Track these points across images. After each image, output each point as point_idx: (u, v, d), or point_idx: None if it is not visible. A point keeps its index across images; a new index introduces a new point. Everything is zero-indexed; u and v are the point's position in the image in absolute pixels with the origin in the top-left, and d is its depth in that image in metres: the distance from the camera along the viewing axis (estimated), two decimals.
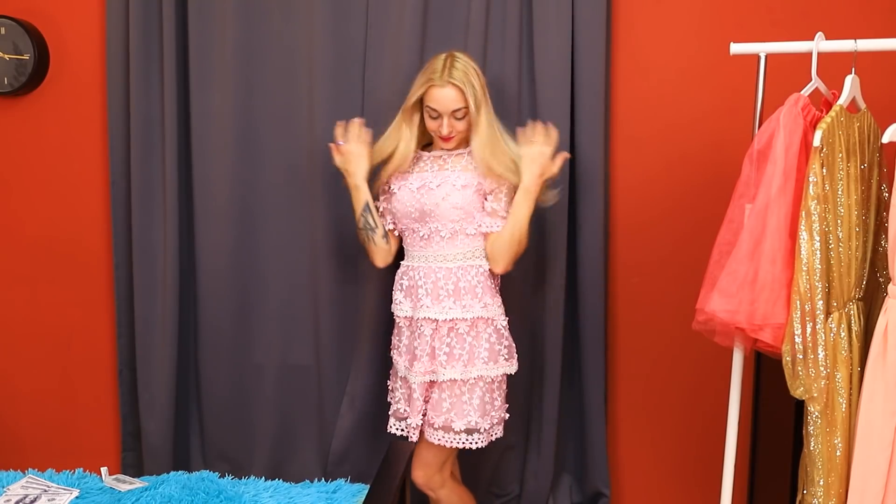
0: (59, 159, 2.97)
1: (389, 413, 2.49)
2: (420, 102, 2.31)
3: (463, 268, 2.33)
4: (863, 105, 2.05)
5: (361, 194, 2.38)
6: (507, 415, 2.43)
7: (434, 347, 2.31)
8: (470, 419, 2.28)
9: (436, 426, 2.31)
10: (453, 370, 2.28)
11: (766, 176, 1.86)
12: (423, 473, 2.39)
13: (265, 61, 2.74)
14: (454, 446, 2.30)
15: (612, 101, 2.70)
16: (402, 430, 2.42)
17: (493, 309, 2.34)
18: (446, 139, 2.32)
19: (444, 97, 2.25)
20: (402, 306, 2.40)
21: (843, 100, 1.93)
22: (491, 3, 2.60)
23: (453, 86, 2.24)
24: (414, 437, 2.35)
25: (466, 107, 2.26)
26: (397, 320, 2.44)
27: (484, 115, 2.28)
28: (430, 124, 2.32)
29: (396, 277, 2.44)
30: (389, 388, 2.54)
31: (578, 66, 2.59)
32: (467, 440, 2.29)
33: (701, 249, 2.66)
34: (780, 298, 1.85)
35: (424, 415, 2.34)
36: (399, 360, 2.43)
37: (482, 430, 2.30)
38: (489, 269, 2.35)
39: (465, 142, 2.37)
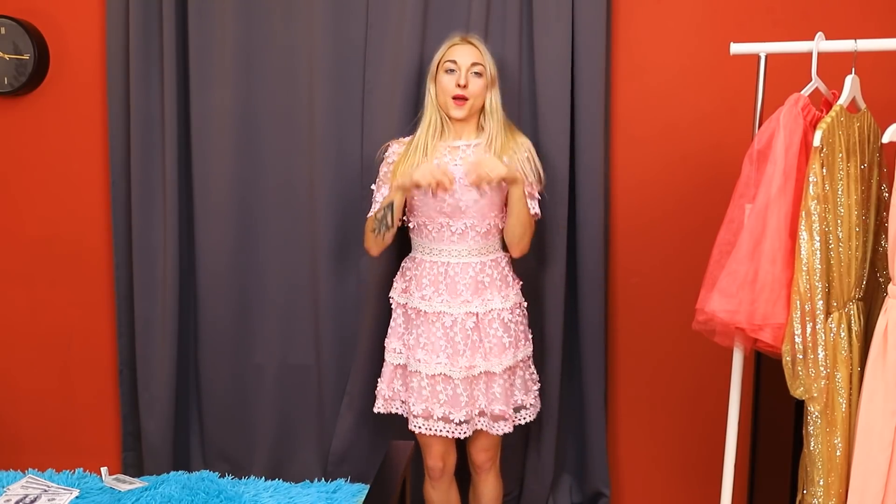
0: (59, 159, 2.96)
1: (416, 415, 2.34)
2: (434, 83, 2.35)
3: (496, 259, 2.38)
4: (863, 105, 2.05)
5: (398, 195, 2.28)
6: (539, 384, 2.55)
7: (475, 340, 2.32)
8: (517, 398, 2.43)
9: (498, 415, 2.35)
10: (506, 358, 2.34)
11: (766, 176, 1.86)
12: (488, 456, 2.46)
13: (265, 61, 2.74)
14: (512, 426, 2.39)
15: (612, 101, 2.70)
16: (451, 431, 2.32)
17: (520, 293, 2.44)
18: (459, 100, 2.29)
19: (463, 51, 2.31)
20: (431, 302, 2.33)
21: (843, 100, 1.93)
22: (491, 4, 2.60)
23: (472, 45, 2.33)
24: (468, 434, 2.34)
25: (483, 66, 2.31)
26: (419, 316, 2.36)
27: (496, 97, 2.36)
28: (446, 81, 2.30)
29: (416, 274, 2.37)
30: (392, 391, 2.47)
31: (578, 66, 2.59)
32: (518, 417, 2.45)
33: (701, 249, 2.66)
34: (780, 298, 1.85)
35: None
36: (430, 358, 2.32)
37: (528, 406, 2.46)
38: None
39: (476, 123, 2.37)
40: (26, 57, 2.86)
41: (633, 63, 2.70)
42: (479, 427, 2.37)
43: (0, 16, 2.85)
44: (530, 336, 2.49)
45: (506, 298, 2.37)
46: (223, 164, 2.78)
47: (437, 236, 2.35)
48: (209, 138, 2.78)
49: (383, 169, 2.42)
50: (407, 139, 2.43)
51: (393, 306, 2.48)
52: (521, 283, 2.47)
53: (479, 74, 2.31)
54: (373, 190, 2.44)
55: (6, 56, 2.87)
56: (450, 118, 2.36)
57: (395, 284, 2.48)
